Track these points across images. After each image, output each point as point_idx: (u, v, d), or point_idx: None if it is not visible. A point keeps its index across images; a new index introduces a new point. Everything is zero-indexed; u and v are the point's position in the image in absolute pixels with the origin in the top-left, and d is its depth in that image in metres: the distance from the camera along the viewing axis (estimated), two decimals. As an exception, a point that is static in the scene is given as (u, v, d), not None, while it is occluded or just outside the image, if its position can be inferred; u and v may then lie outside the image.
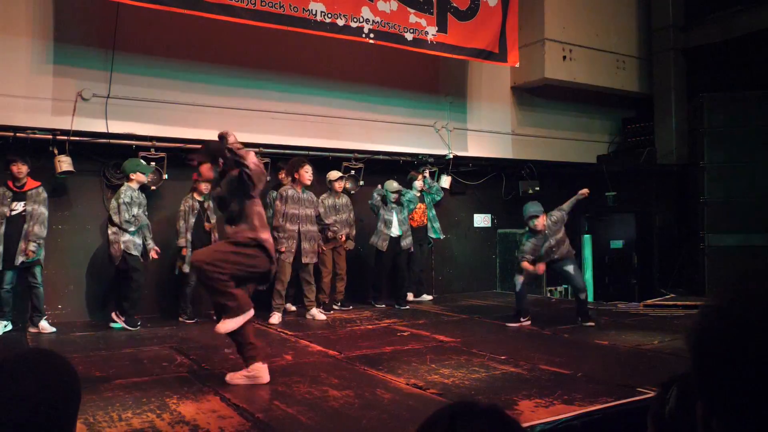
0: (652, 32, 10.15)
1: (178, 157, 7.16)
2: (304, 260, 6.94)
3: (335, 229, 7.46)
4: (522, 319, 6.43)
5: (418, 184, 8.43)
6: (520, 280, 6.45)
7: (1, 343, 5.68)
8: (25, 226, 5.97)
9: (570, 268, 6.48)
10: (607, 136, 10.75)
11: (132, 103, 6.90)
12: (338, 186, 7.66)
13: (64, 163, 6.42)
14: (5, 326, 6.06)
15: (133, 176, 6.48)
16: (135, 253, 6.41)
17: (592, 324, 6.40)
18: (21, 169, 5.99)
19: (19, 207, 5.99)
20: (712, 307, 0.80)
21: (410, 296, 8.39)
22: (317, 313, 7.02)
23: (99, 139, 6.74)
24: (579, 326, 6.38)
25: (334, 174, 7.68)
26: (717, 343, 0.77)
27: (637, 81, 10.19)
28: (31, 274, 6.09)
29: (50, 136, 6.45)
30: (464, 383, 4.16)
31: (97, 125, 6.72)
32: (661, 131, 9.93)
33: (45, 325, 6.14)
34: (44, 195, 6.17)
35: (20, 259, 5.93)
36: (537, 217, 6.35)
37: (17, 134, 6.30)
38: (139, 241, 6.46)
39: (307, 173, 6.83)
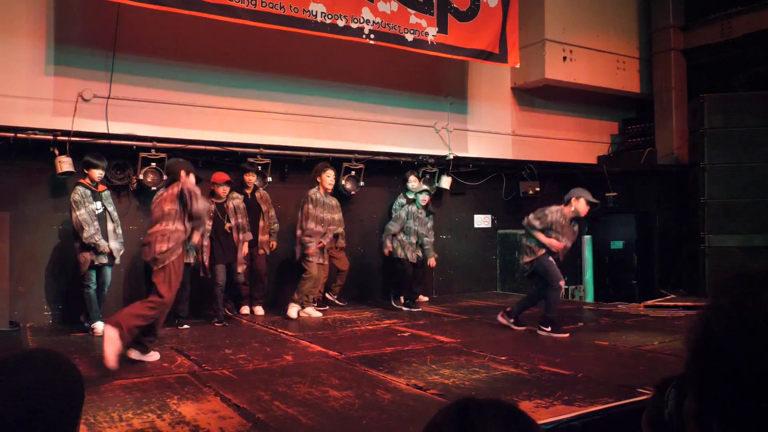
0: (652, 33, 10.15)
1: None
2: (324, 261, 7.25)
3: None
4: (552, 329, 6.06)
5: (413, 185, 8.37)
6: (562, 284, 6.14)
7: (3, 342, 5.68)
8: (110, 226, 6.18)
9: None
10: (607, 137, 10.75)
11: (132, 103, 6.91)
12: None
13: (65, 164, 6.42)
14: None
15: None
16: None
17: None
18: (102, 173, 6.22)
19: (99, 206, 6.17)
20: (714, 307, 0.80)
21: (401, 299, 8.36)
22: (312, 311, 7.17)
23: (99, 139, 6.74)
24: (579, 327, 6.38)
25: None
26: (721, 344, 0.77)
27: (637, 82, 10.19)
28: (104, 273, 6.18)
29: (51, 137, 6.45)
30: (465, 384, 4.16)
31: (98, 126, 6.72)
32: (661, 132, 9.94)
33: (101, 327, 6.11)
34: (111, 198, 6.41)
35: (118, 259, 6.23)
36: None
37: (18, 135, 6.30)
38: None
39: (328, 178, 7.15)
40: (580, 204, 6.07)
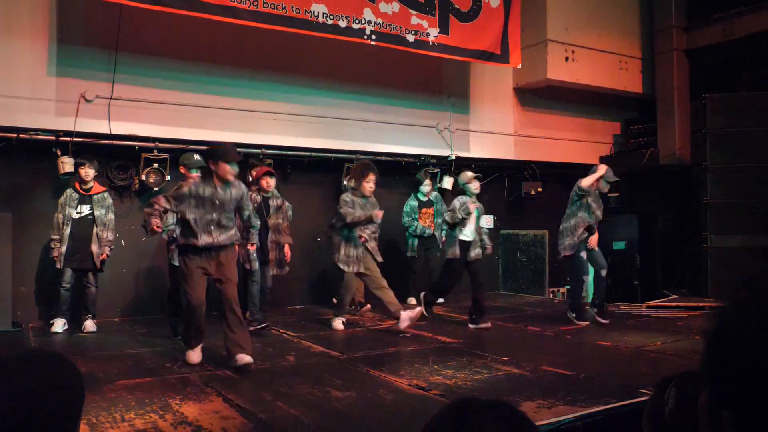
0: (654, 33, 10.13)
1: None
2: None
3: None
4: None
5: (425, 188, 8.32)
6: (585, 279, 6.72)
7: (6, 342, 5.69)
8: (96, 230, 6.17)
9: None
10: (609, 137, 10.74)
11: (135, 104, 6.91)
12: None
13: (67, 165, 6.42)
14: (63, 325, 6.15)
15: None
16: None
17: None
18: (88, 172, 6.19)
19: (85, 210, 6.18)
20: (732, 302, 0.81)
21: (412, 300, 8.33)
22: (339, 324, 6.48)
23: (102, 140, 6.75)
24: (582, 327, 6.37)
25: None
26: (737, 338, 0.78)
27: (639, 82, 10.18)
28: (86, 275, 6.23)
29: (53, 138, 6.47)
30: (467, 384, 4.16)
31: (100, 126, 6.73)
32: (663, 132, 9.92)
33: (89, 324, 6.17)
34: (110, 200, 6.38)
35: (98, 263, 6.18)
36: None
37: (20, 135, 6.32)
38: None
39: (368, 184, 6.26)
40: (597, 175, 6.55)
